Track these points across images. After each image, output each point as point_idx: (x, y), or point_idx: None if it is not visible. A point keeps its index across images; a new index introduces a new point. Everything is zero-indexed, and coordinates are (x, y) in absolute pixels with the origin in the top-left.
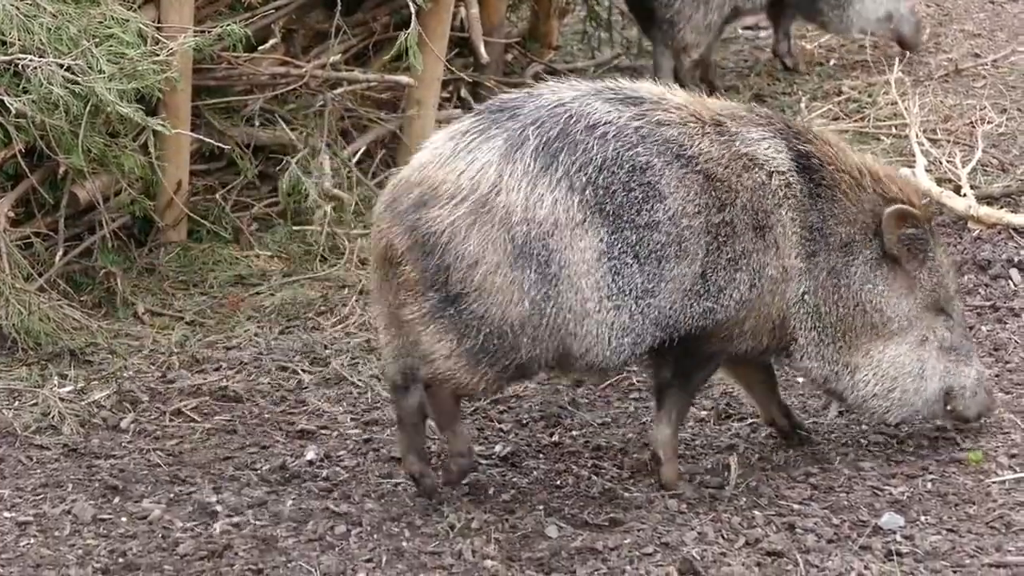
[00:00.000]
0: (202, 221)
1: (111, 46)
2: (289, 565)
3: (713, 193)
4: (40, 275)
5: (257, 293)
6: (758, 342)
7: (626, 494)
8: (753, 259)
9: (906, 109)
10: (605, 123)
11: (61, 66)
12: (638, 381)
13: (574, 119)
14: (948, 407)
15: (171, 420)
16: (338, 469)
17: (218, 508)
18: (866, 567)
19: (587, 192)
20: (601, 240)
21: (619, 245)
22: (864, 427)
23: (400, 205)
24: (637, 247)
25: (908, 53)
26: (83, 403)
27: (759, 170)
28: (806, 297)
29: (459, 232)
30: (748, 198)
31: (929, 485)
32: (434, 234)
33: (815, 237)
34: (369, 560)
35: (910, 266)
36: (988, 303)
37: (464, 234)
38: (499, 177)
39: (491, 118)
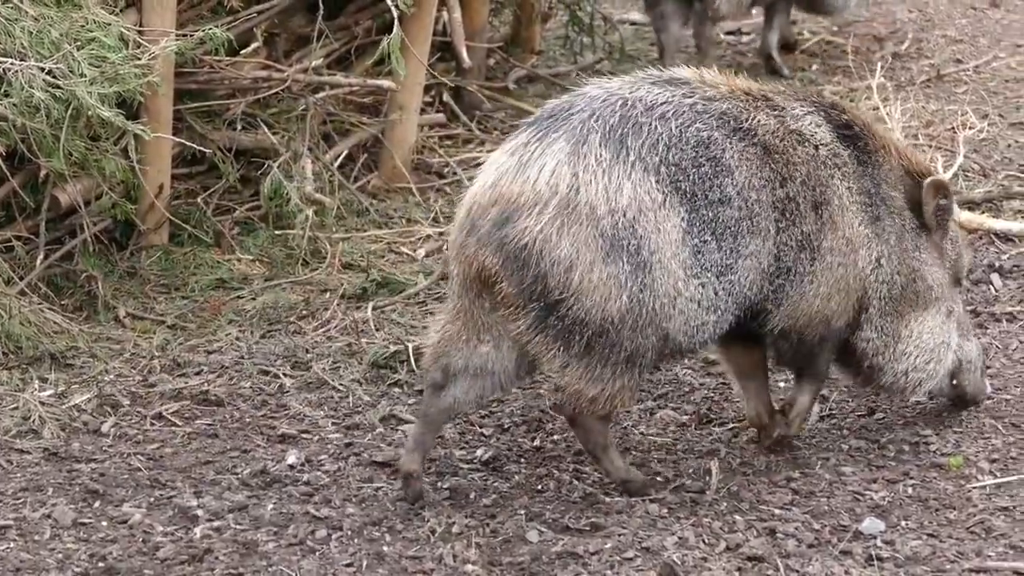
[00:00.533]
0: (184, 225)
1: (93, 50)
2: (270, 569)
3: (773, 167)
4: (21, 279)
5: (239, 297)
6: (849, 317)
7: (607, 499)
8: (816, 235)
9: (888, 114)
10: (662, 103)
11: (43, 70)
12: None
13: (629, 104)
14: (954, 382)
15: (152, 424)
16: (319, 473)
17: (199, 512)
18: (847, 572)
19: (661, 171)
20: (682, 219)
21: (697, 223)
22: (845, 432)
23: (481, 227)
24: (713, 224)
25: (891, 59)
26: (64, 407)
27: (808, 144)
28: (882, 262)
29: (550, 238)
30: (805, 172)
31: (910, 490)
32: (525, 246)
33: (874, 202)
34: (350, 564)
35: (938, 236)
36: (969, 308)
37: (555, 239)
38: (574, 175)
39: (545, 125)
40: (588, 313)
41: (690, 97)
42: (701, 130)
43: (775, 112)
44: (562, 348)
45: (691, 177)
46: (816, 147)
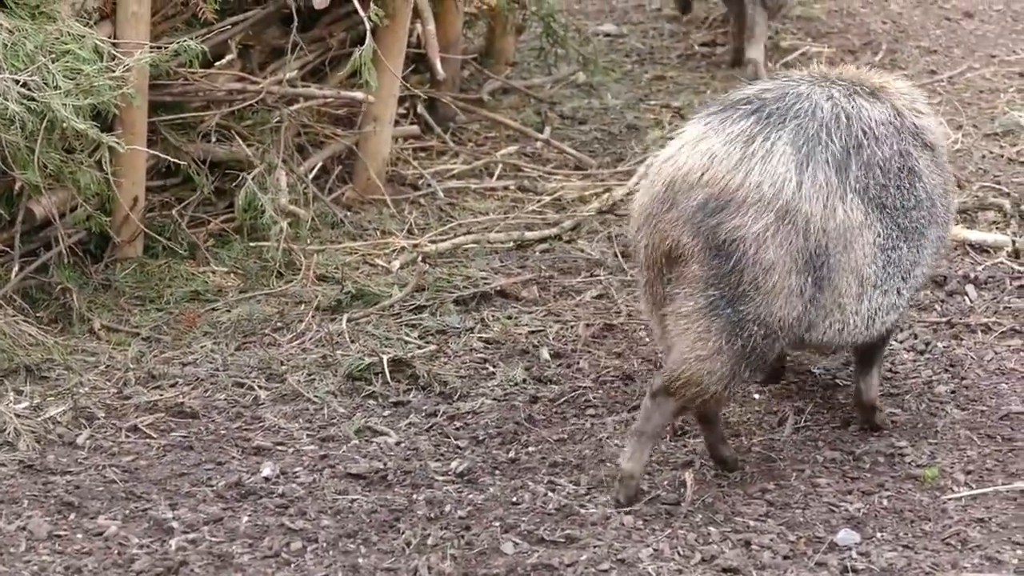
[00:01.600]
0: (158, 237)
1: (67, 62)
2: None
3: (934, 159)
4: None
5: (213, 309)
6: None
7: (582, 510)
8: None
9: None
10: (878, 123)
11: (17, 82)
12: (594, 398)
13: (850, 120)
14: None
15: (127, 436)
16: (294, 486)
17: (174, 524)
18: None
19: (871, 192)
20: (878, 235)
21: (893, 233)
22: (820, 444)
23: (684, 206)
24: (905, 229)
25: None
26: (39, 419)
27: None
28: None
29: (763, 241)
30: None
31: (885, 502)
32: (736, 241)
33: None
34: None
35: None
36: (944, 319)
37: (768, 243)
38: (799, 184)
39: (766, 119)
40: (767, 313)
41: (890, 112)
42: (902, 144)
43: (923, 113)
44: (725, 339)
45: (893, 193)
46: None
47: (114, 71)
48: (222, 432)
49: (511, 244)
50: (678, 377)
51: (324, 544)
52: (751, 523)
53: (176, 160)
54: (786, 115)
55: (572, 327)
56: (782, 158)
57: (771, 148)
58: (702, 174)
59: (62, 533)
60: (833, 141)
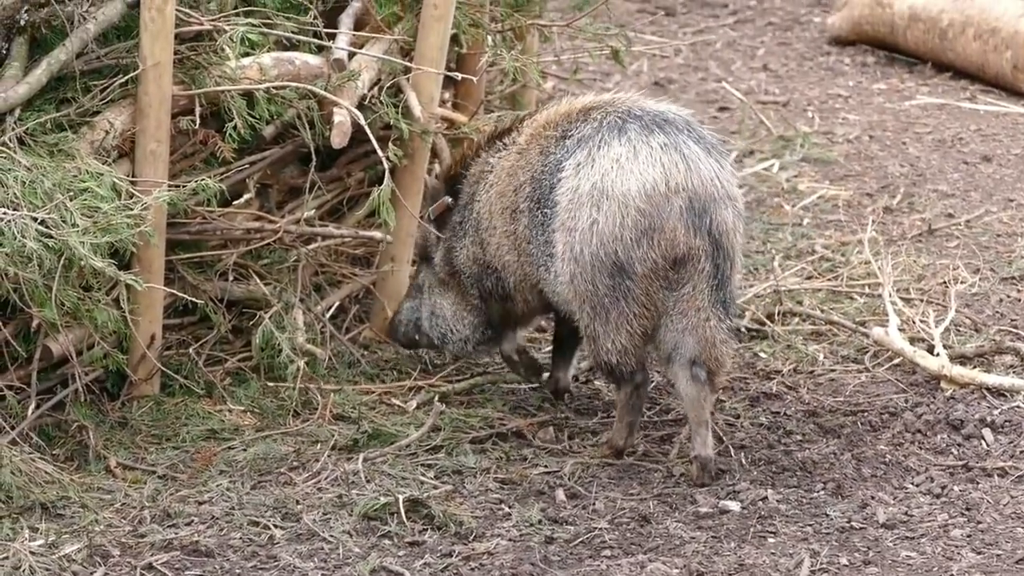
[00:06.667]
0: (175, 375)
1: (85, 200)
2: None
3: None
4: (12, 428)
5: (230, 448)
6: None
7: None
8: None
9: (879, 268)
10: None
11: (35, 219)
12: (610, 539)
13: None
14: None
15: (142, 575)
16: None
17: None
18: None
19: None
20: None
21: None
22: None
23: (679, 213)
24: None
25: (882, 213)
26: (54, 557)
27: None
28: None
29: (737, 226)
30: None
31: None
32: (725, 232)
33: None
34: None
35: None
36: (961, 463)
37: (738, 225)
38: (722, 169)
39: (653, 128)
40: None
41: None
42: None
43: None
44: (722, 313)
45: None
46: None
47: (132, 209)
48: (237, 571)
49: (527, 386)
50: (717, 363)
51: None
52: None
53: (193, 299)
54: (660, 122)
55: (588, 467)
56: (703, 155)
57: (688, 149)
58: (670, 183)
59: None
60: (700, 133)
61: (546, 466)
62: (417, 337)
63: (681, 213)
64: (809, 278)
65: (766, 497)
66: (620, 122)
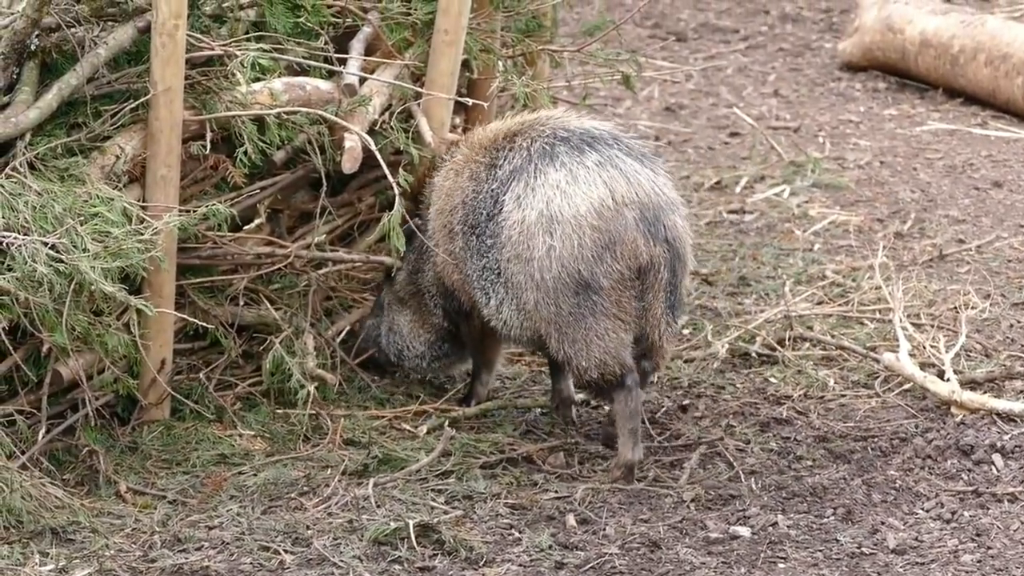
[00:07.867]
0: (185, 400)
1: (96, 225)
2: None
3: None
4: (23, 453)
5: (240, 473)
6: None
7: None
8: None
9: (890, 294)
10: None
11: (45, 244)
12: (620, 564)
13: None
14: None
15: None
16: None
17: None
18: None
19: None
20: None
21: None
22: None
23: (637, 225)
24: None
25: (893, 238)
26: None
27: None
28: None
29: (686, 228)
30: None
31: None
32: (677, 238)
33: None
34: None
35: None
36: (971, 488)
37: (688, 233)
38: (657, 178)
39: (584, 147)
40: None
41: None
42: None
43: None
44: (677, 316)
45: None
46: None
47: (143, 234)
48: None
49: (538, 409)
50: (662, 359)
51: None
52: None
53: (204, 323)
54: (590, 141)
55: (598, 493)
56: (637, 167)
57: (623, 164)
58: (618, 197)
59: None
60: (631, 145)
61: (556, 491)
62: (376, 354)
63: (637, 224)
64: (820, 303)
65: (776, 523)
66: (549, 148)
